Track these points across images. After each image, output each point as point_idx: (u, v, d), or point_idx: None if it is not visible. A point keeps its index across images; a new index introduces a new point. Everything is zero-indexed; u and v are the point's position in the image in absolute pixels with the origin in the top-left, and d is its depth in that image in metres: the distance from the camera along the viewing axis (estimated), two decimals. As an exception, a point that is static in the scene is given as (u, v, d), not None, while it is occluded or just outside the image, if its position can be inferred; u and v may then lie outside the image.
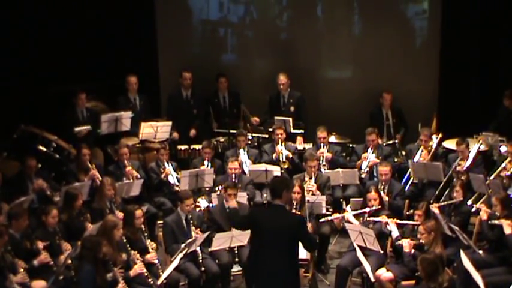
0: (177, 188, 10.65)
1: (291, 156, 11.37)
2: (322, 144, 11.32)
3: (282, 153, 11.33)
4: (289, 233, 7.18)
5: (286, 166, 11.19)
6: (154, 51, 13.59)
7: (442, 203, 9.62)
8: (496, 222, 8.68)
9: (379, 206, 9.29)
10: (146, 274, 8.40)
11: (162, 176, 10.87)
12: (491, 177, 10.19)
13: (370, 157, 11.17)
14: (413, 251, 8.47)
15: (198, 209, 10.04)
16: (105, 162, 11.46)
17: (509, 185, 10.13)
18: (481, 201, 9.65)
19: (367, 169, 11.14)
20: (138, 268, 8.35)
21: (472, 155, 10.63)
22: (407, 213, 9.88)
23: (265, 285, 7.31)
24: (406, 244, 8.62)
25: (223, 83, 12.75)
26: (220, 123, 12.52)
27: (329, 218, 9.52)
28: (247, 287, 9.02)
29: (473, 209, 9.31)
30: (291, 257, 7.25)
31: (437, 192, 10.38)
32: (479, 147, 10.81)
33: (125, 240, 8.49)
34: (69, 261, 8.35)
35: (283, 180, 7.90)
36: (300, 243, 7.33)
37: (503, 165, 10.29)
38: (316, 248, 8.65)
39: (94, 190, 10.13)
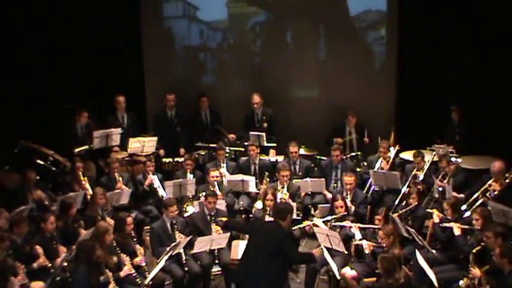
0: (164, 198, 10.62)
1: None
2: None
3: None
4: (275, 246, 7.25)
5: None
6: (141, 74, 13.58)
7: (401, 211, 9.66)
8: (447, 225, 8.78)
9: (345, 213, 9.35)
10: (135, 275, 8.37)
11: (146, 183, 10.81)
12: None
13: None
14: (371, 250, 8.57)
15: (186, 214, 10.03)
16: (97, 174, 11.41)
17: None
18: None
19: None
20: (128, 269, 8.32)
21: (427, 165, 10.73)
22: (369, 217, 9.96)
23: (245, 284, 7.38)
24: (366, 246, 8.69)
25: (205, 102, 12.75)
26: (202, 138, 12.50)
27: (301, 225, 9.56)
28: (226, 286, 9.13)
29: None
30: (275, 268, 7.29)
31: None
32: (433, 158, 10.90)
33: (115, 245, 8.45)
34: (65, 264, 8.30)
35: (288, 206, 8.06)
36: None
37: (436, 180, 10.37)
38: (297, 263, 8.70)
39: (87, 199, 10.08)
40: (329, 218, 9.31)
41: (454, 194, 9.96)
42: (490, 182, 9.79)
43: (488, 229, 8.09)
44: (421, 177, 10.57)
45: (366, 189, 10.94)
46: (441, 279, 8.11)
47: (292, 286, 9.34)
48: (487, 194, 9.70)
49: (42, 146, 11.09)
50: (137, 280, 8.33)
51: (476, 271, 7.75)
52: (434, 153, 11.06)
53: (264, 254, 7.25)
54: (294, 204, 10.02)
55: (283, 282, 7.63)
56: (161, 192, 10.78)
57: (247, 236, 8.22)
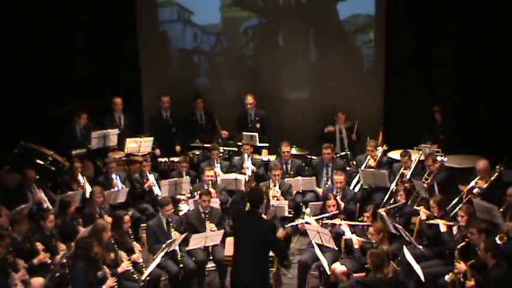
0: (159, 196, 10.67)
1: (255, 170, 11.46)
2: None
3: (248, 168, 11.42)
4: (259, 238, 7.27)
5: (251, 180, 11.26)
6: (138, 76, 13.64)
7: (389, 207, 9.77)
8: (433, 222, 8.87)
9: (337, 211, 9.42)
10: (132, 271, 8.42)
11: (145, 186, 10.89)
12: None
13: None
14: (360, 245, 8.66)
15: (181, 213, 10.07)
16: (95, 174, 11.46)
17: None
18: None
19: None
20: (125, 265, 8.37)
21: (414, 164, 10.83)
22: (360, 218, 10.03)
23: (237, 281, 7.39)
24: (355, 240, 8.78)
25: (200, 103, 12.81)
26: (198, 138, 12.56)
27: (294, 223, 9.63)
28: (220, 282, 9.19)
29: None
30: (262, 259, 7.35)
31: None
32: (419, 158, 11.00)
33: (112, 242, 8.51)
34: (64, 260, 8.36)
35: (261, 190, 7.94)
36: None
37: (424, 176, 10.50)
38: (283, 254, 8.58)
39: (85, 198, 10.14)
40: (321, 216, 9.39)
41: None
42: (475, 180, 9.90)
43: (472, 225, 8.19)
44: (408, 175, 10.68)
45: (353, 186, 11.03)
46: (428, 274, 8.21)
47: (284, 281, 9.48)
48: (474, 191, 9.80)
49: (41, 146, 11.11)
50: (134, 276, 8.39)
51: (461, 265, 7.84)
52: (420, 152, 11.16)
53: (251, 247, 7.27)
54: (286, 202, 10.11)
55: (268, 270, 7.71)
56: (156, 191, 10.84)
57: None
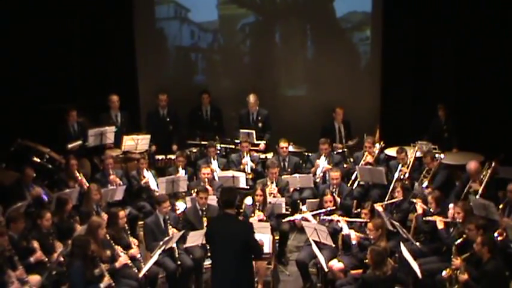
0: (156, 193, 10.63)
1: (254, 167, 11.43)
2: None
3: (247, 165, 11.40)
4: (237, 238, 6.98)
5: (251, 176, 11.23)
6: (135, 73, 13.58)
7: (386, 202, 9.75)
8: (430, 218, 8.84)
9: (334, 207, 9.39)
10: (130, 265, 8.38)
11: (142, 182, 10.85)
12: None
13: (323, 164, 11.27)
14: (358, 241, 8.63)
15: (178, 211, 10.01)
16: (92, 171, 11.41)
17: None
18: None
19: (321, 174, 11.22)
20: (123, 259, 8.33)
21: (411, 161, 10.78)
22: (355, 211, 10.02)
23: (220, 285, 7.14)
24: (354, 235, 8.74)
25: (206, 98, 12.75)
26: (199, 135, 12.49)
27: (291, 218, 9.59)
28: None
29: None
30: (242, 259, 7.05)
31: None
32: (415, 154, 10.96)
33: (109, 238, 8.45)
34: (62, 258, 8.32)
35: (233, 190, 7.64)
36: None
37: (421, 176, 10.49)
38: (260, 255, 7.74)
39: (82, 195, 10.08)
40: (318, 211, 9.35)
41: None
42: (469, 183, 9.84)
43: (470, 222, 8.16)
44: (407, 174, 10.63)
45: (350, 183, 11.01)
46: (425, 270, 8.17)
47: (282, 278, 9.44)
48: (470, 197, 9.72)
49: (38, 144, 11.07)
50: (133, 269, 8.34)
51: (458, 262, 7.80)
52: (416, 148, 11.11)
53: (231, 250, 6.97)
54: (283, 199, 10.08)
55: (252, 271, 7.44)
56: (154, 187, 10.79)
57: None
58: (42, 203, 9.80)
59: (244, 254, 7.04)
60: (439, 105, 12.02)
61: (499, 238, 8.28)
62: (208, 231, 7.41)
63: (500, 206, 8.99)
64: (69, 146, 11.25)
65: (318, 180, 11.17)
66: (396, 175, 10.70)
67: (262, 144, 12.14)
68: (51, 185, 10.72)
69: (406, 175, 10.61)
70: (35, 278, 8.02)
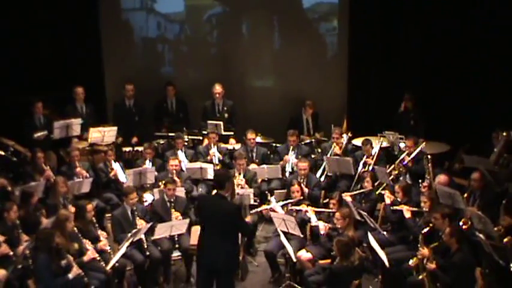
0: (124, 185, 10.53)
1: (221, 158, 11.40)
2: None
3: (214, 156, 11.36)
4: (227, 219, 7.30)
5: (218, 167, 11.19)
6: (100, 65, 13.45)
7: (354, 192, 9.78)
8: (398, 207, 8.89)
9: (301, 197, 9.41)
10: (98, 259, 8.31)
11: (111, 175, 10.75)
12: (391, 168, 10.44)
13: (292, 159, 11.24)
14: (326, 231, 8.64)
15: (146, 203, 9.95)
16: (58, 164, 11.28)
17: (405, 173, 10.38)
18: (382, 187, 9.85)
19: (290, 170, 11.20)
20: (91, 253, 8.25)
21: (375, 151, 10.82)
22: (324, 201, 10.04)
23: (206, 263, 7.42)
24: (322, 226, 8.76)
25: (171, 90, 12.66)
26: (165, 126, 12.41)
27: (259, 209, 9.59)
28: (186, 270, 9.12)
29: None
30: (230, 238, 7.40)
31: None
32: (381, 145, 11.00)
33: (77, 231, 8.37)
34: (27, 252, 8.20)
35: (225, 173, 8.02)
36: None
37: (401, 157, 10.52)
38: (250, 234, 8.59)
39: (49, 188, 9.95)
40: (286, 202, 9.35)
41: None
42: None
43: (435, 211, 8.23)
44: (372, 165, 10.64)
45: (319, 173, 11.02)
46: (392, 259, 8.24)
47: (250, 269, 9.43)
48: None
49: (2, 137, 10.90)
50: (101, 263, 8.27)
51: (424, 251, 7.87)
52: (381, 139, 11.15)
53: (219, 228, 7.32)
54: (251, 190, 10.05)
55: (238, 250, 7.88)
56: (122, 179, 10.70)
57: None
58: (8, 193, 9.62)
59: (231, 231, 7.43)
60: (406, 95, 12.08)
61: (464, 227, 8.37)
62: (202, 208, 7.78)
63: (465, 195, 9.05)
64: (35, 135, 11.14)
65: (287, 175, 11.14)
66: (360, 166, 10.73)
67: (231, 140, 12.09)
68: (16, 178, 10.55)
69: (371, 167, 10.64)
70: (0, 272, 7.91)
